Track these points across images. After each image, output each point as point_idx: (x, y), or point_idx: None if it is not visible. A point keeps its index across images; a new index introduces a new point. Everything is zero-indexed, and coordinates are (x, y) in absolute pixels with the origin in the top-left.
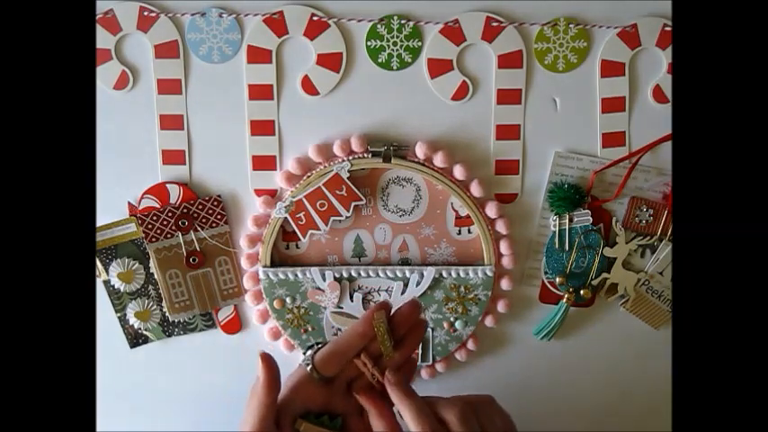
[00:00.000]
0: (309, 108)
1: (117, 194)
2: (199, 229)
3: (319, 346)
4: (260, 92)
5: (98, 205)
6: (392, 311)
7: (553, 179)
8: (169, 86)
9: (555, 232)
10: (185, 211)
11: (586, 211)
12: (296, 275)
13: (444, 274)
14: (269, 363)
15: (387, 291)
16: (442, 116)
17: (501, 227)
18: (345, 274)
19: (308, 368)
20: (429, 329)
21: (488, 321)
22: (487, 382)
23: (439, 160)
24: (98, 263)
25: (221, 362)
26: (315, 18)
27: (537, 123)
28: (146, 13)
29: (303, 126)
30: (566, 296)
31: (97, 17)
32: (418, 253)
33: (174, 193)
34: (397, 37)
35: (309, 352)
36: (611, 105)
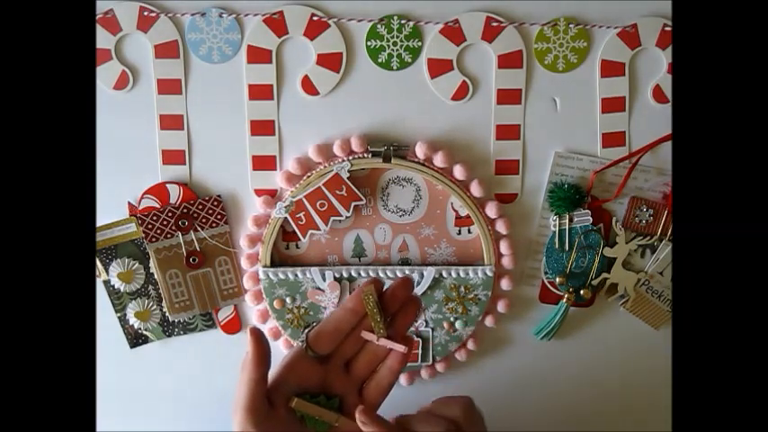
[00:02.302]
0: (309, 108)
1: (117, 194)
2: (199, 229)
3: (314, 325)
4: (260, 92)
5: (98, 205)
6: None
7: (553, 179)
8: (169, 86)
9: (555, 232)
10: (185, 211)
11: (586, 211)
12: (296, 275)
13: (444, 274)
14: (257, 337)
15: None
16: (442, 116)
17: (501, 227)
18: (345, 274)
19: (303, 345)
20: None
21: (488, 321)
22: (487, 382)
23: (439, 160)
24: (98, 263)
25: (221, 362)
26: (315, 18)
27: (537, 123)
28: (146, 13)
29: (303, 126)
30: (566, 296)
31: (97, 17)
32: (418, 253)
33: (174, 193)
34: (397, 37)
35: (306, 331)
36: (611, 105)
